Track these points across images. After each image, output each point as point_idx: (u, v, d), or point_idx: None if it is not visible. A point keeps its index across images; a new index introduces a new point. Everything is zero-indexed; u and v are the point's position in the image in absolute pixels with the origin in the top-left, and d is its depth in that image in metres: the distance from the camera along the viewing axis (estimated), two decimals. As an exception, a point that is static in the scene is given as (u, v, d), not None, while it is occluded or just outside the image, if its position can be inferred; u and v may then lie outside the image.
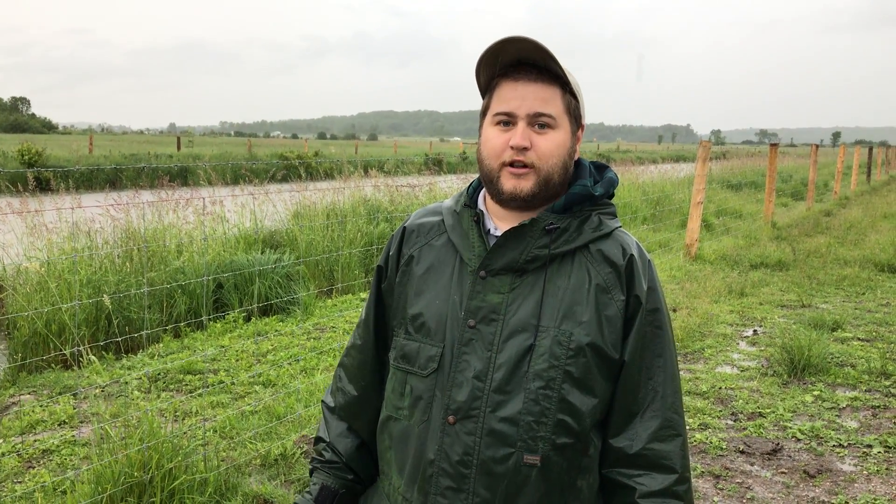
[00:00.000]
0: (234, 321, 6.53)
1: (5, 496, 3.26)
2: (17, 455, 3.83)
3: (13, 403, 4.64)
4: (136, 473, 3.08)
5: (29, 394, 4.85)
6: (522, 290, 1.29)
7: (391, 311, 1.45)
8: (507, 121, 1.31)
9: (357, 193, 10.40)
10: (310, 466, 1.58)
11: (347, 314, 7.01)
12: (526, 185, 1.30)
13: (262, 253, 7.66)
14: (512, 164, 1.31)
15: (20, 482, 3.51)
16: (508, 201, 1.32)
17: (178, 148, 35.99)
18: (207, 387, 4.88)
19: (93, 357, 5.01)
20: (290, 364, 5.36)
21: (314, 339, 6.10)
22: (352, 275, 8.46)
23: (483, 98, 1.38)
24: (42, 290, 5.96)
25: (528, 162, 1.30)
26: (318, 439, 1.57)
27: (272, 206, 9.59)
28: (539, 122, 1.30)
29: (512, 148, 1.30)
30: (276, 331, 6.34)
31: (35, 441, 4.01)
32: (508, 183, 1.30)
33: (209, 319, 6.53)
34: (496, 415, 1.26)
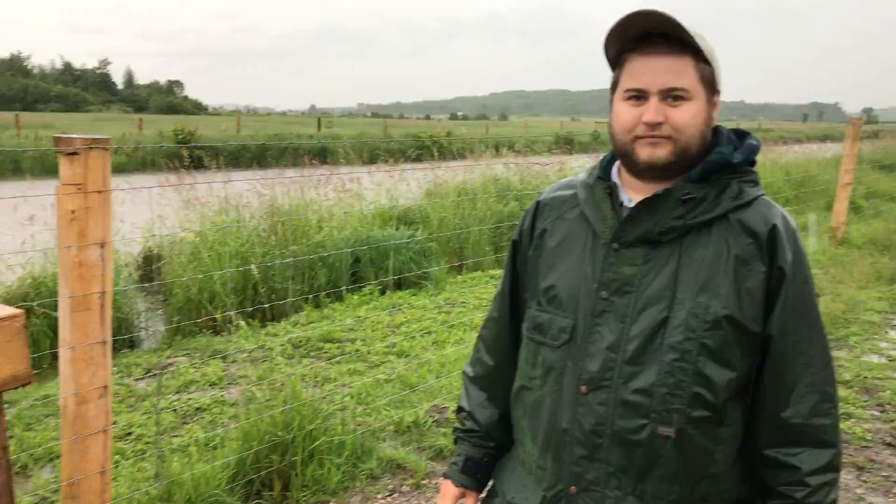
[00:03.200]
0: (370, 294, 6.77)
1: (165, 447, 3.56)
2: (174, 411, 4.15)
3: (170, 364, 5.02)
4: (279, 433, 3.28)
5: (183, 356, 5.23)
6: (657, 262, 1.30)
7: (525, 283, 1.48)
8: (639, 96, 1.31)
9: (488, 172, 10.46)
10: (453, 436, 1.65)
11: (477, 290, 7.11)
12: (662, 153, 1.29)
13: (396, 229, 7.87)
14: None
15: (176, 436, 3.81)
16: (644, 171, 1.32)
17: (319, 128, 37.26)
18: (345, 355, 5.10)
19: (242, 322, 5.34)
20: (422, 336, 5.51)
21: (445, 313, 6.23)
22: (481, 251, 8.55)
23: (613, 71, 1.38)
24: (195, 260, 6.38)
25: (664, 134, 1.29)
26: (460, 408, 1.63)
27: (406, 185, 9.81)
28: (672, 95, 1.29)
29: (644, 124, 1.29)
30: (409, 304, 6.52)
31: (189, 399, 4.33)
32: (644, 152, 1.30)
33: (347, 291, 6.80)
34: (629, 386, 1.27)
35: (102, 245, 2.60)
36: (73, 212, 2.60)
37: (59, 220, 2.64)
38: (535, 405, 1.40)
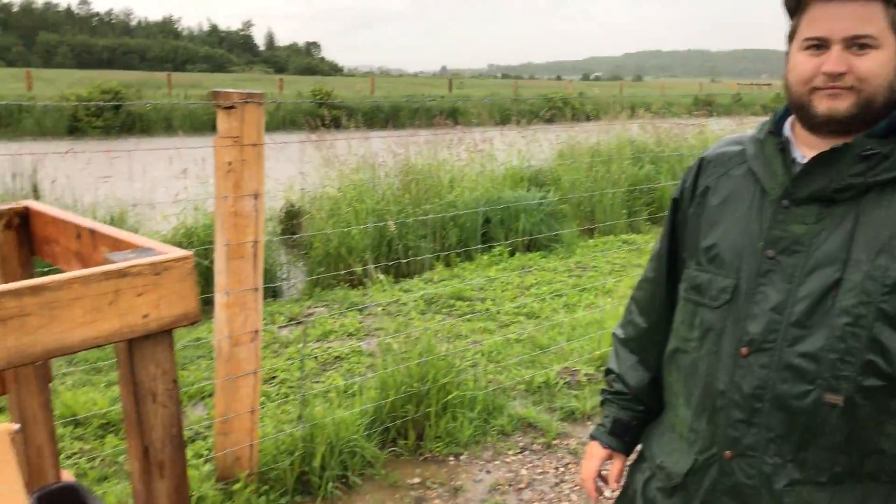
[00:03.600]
0: (500, 254, 6.79)
1: (307, 391, 3.72)
2: (315, 359, 4.33)
3: (310, 314, 5.23)
4: (414, 384, 3.36)
5: (323, 307, 5.44)
6: (831, 221, 1.22)
7: (684, 243, 1.43)
8: (819, 45, 1.22)
9: (622, 134, 10.20)
10: (601, 397, 1.63)
11: (609, 254, 6.99)
12: (842, 105, 1.20)
13: (527, 190, 7.82)
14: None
15: (318, 382, 3.98)
16: (822, 125, 1.23)
17: (450, 89, 37.41)
18: (475, 313, 5.16)
19: (382, 276, 5.49)
20: (552, 298, 5.48)
21: (576, 276, 6.17)
22: (614, 215, 8.39)
23: (791, 19, 1.30)
24: (334, 216, 6.59)
25: (845, 85, 1.20)
26: (609, 371, 1.61)
27: (538, 146, 9.71)
28: (857, 43, 1.19)
29: (825, 74, 1.21)
30: (539, 266, 6.49)
31: (328, 348, 4.51)
32: (822, 104, 1.22)
33: (477, 251, 6.84)
34: (794, 349, 1.21)
35: (256, 196, 2.71)
36: (229, 164, 2.73)
37: (216, 171, 2.79)
38: (690, 367, 1.36)
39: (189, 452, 3.17)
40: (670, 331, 1.44)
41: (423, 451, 3.31)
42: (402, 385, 3.36)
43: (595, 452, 1.59)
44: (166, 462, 1.52)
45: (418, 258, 6.35)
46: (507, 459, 3.27)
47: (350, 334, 4.78)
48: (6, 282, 2.02)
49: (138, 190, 6.84)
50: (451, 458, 3.27)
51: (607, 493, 1.67)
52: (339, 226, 6.33)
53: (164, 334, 1.49)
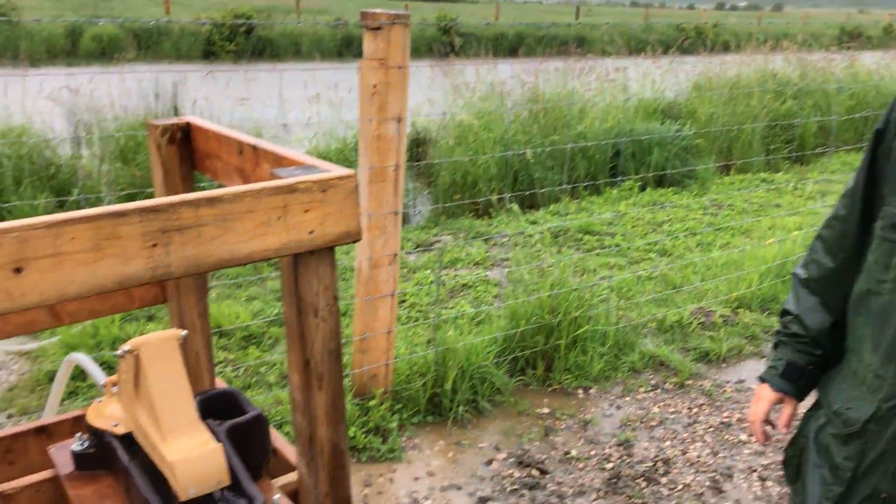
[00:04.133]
0: (630, 189, 6.60)
1: (434, 318, 3.77)
2: (443, 285, 4.37)
3: (436, 241, 5.27)
4: (546, 316, 3.34)
5: (449, 235, 5.46)
6: None
7: (884, 178, 1.31)
8: None
9: (763, 67, 9.60)
10: (774, 339, 1.55)
11: (746, 193, 6.67)
12: None
13: (661, 123, 7.52)
14: None
15: (446, 307, 4.02)
16: None
17: (577, 17, 36.27)
18: (604, 248, 5.06)
19: (515, 206, 5.47)
20: (685, 236, 5.30)
21: (711, 214, 5.93)
22: (752, 152, 7.98)
23: None
24: (462, 143, 6.55)
25: None
26: (785, 311, 1.52)
27: (673, 77, 9.29)
28: None
29: None
30: (671, 202, 6.28)
31: (455, 275, 4.54)
32: None
33: (606, 185, 6.68)
34: None
35: (399, 120, 2.70)
36: (374, 86, 2.72)
37: (361, 94, 2.78)
38: (881, 311, 1.26)
39: (325, 368, 3.28)
40: (859, 272, 1.34)
41: (551, 382, 3.30)
42: (532, 316, 3.34)
43: (764, 395, 1.52)
44: (325, 375, 1.56)
45: (545, 190, 6.26)
46: (638, 396, 3.22)
47: (476, 263, 4.78)
48: (169, 195, 2.10)
49: (273, 113, 7.01)
50: (580, 392, 3.25)
51: (775, 437, 1.60)
52: (467, 154, 6.30)
53: (327, 251, 1.51)
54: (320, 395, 1.57)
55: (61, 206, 5.10)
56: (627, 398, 3.20)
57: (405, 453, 2.79)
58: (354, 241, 1.53)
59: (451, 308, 3.97)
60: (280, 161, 1.67)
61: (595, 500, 2.53)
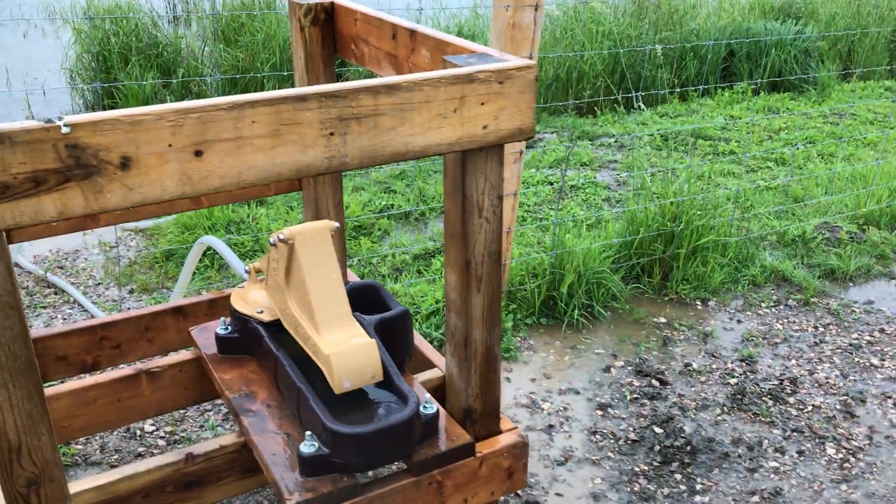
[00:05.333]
0: (742, 93, 6.24)
1: (547, 216, 3.68)
2: (550, 185, 4.25)
3: (539, 140, 5.11)
4: (667, 223, 3.20)
5: (551, 133, 5.29)
6: None
7: None
8: None
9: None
10: None
11: (869, 103, 6.23)
12: None
13: (781, 23, 7.03)
14: None
15: (553, 208, 3.91)
16: None
17: None
18: (718, 154, 4.82)
19: (641, 105, 5.24)
20: (804, 146, 5.00)
21: (831, 123, 5.57)
22: (876, 59, 7.42)
23: None
24: (566, 38, 6.26)
25: None
26: None
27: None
28: None
29: None
30: (787, 109, 5.92)
31: (564, 177, 4.40)
32: None
33: (717, 87, 6.33)
34: None
35: (536, 7, 2.54)
36: (512, -30, 2.55)
37: (496, -22, 2.62)
38: None
39: (437, 262, 3.25)
40: None
41: (667, 291, 3.20)
42: (653, 222, 3.21)
43: None
44: (484, 276, 1.50)
45: (650, 91, 5.97)
46: (760, 311, 3.10)
47: (583, 164, 4.63)
48: (310, 82, 2.02)
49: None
50: (698, 303, 3.14)
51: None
52: (570, 48, 6.03)
53: (496, 148, 1.42)
54: (478, 297, 1.51)
55: (167, 87, 5.11)
56: (748, 312, 3.09)
57: (520, 353, 2.76)
58: (526, 140, 1.44)
59: (562, 210, 3.87)
60: (442, 48, 1.56)
61: (719, 415, 2.47)
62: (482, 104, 1.32)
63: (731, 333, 2.94)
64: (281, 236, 1.56)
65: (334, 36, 1.96)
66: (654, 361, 2.75)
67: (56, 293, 3.07)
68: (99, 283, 3.17)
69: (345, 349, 1.50)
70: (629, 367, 2.72)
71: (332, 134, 1.21)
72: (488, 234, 1.46)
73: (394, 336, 1.71)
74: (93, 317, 2.90)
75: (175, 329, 2.11)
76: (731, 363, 2.75)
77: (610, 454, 2.29)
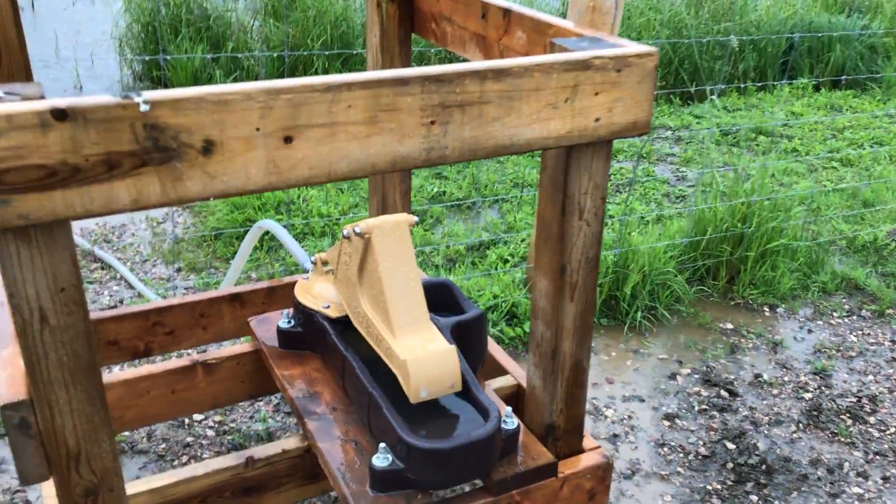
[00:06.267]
0: (803, 88, 6.01)
1: (622, 216, 3.53)
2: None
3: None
4: (736, 224, 3.04)
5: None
6: None
7: None
8: None
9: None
10: None
11: (937, 104, 5.97)
12: None
13: (847, 17, 6.76)
14: None
15: (611, 202, 3.76)
16: None
17: None
18: (780, 152, 4.63)
19: (715, 100, 5.06)
20: (871, 146, 4.79)
21: (899, 124, 5.34)
22: (943, 58, 7.11)
23: None
24: (624, 24, 6.07)
25: None
26: None
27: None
28: None
29: None
30: (850, 107, 5.68)
31: (620, 168, 4.24)
32: None
33: (776, 82, 6.11)
34: None
35: (619, -9, 2.38)
36: (594, -50, 2.40)
37: (575, -43, 2.47)
38: None
39: (493, 255, 3.13)
40: None
41: (733, 296, 3.05)
42: (723, 222, 3.05)
43: None
44: (579, 284, 1.37)
45: (719, 87, 5.77)
46: (832, 321, 2.93)
47: (641, 156, 4.46)
48: (385, 63, 1.90)
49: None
50: (766, 309, 2.98)
51: None
52: (627, 36, 5.83)
53: (606, 144, 1.29)
54: (571, 306, 1.38)
55: (216, 61, 5.01)
56: (819, 322, 2.92)
57: (580, 356, 2.63)
58: (640, 135, 1.30)
59: (618, 204, 3.71)
60: (543, 29, 1.43)
61: (794, 432, 2.32)
62: (596, 94, 1.18)
63: (803, 344, 2.79)
64: (357, 229, 1.44)
65: (412, 13, 1.83)
66: (721, 370, 2.61)
67: (103, 268, 3.00)
68: (146, 260, 3.09)
69: (422, 355, 1.38)
70: (696, 376, 2.57)
71: (432, 123, 1.09)
72: (587, 237, 1.33)
73: (469, 340, 1.59)
74: (140, 295, 2.82)
75: (231, 317, 2.01)
76: (804, 376, 2.60)
77: (679, 469, 2.16)
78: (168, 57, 4.74)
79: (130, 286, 2.88)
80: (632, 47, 1.21)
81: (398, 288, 1.44)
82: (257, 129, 0.99)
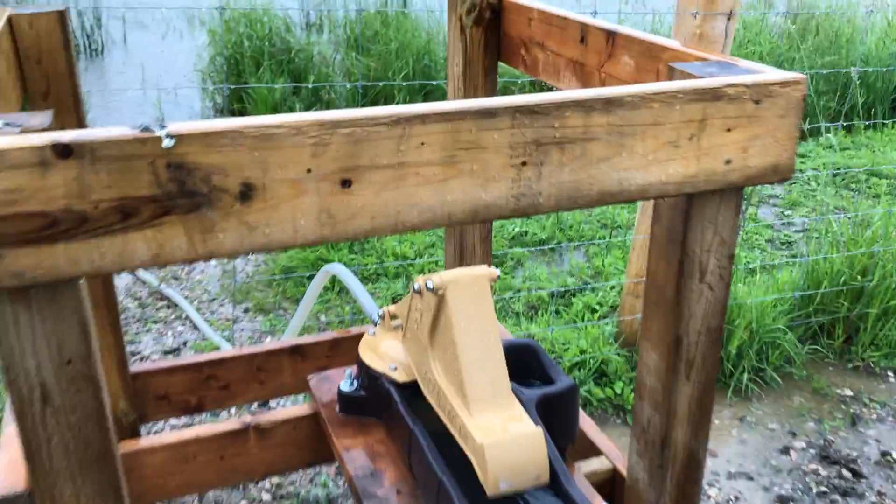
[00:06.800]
0: (916, 126, 5.57)
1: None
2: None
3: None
4: (856, 276, 2.72)
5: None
6: None
7: None
8: None
9: None
10: None
11: None
12: None
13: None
14: None
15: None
16: None
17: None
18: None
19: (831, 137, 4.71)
20: None
21: None
22: None
23: None
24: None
25: None
26: None
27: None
28: None
29: None
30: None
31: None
32: None
33: (889, 121, 5.68)
34: None
35: (730, 16, 2.14)
36: (702, -28, 2.16)
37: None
38: None
39: (578, 303, 2.88)
40: None
41: (851, 357, 2.71)
42: (840, 275, 2.73)
43: None
44: (697, 360, 1.12)
45: (827, 125, 5.39)
46: (970, 391, 2.57)
47: (743, 197, 4.14)
48: (468, 93, 1.70)
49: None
50: (891, 374, 2.64)
51: None
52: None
53: (736, 192, 1.05)
54: (686, 387, 1.14)
55: (296, 94, 4.95)
56: (955, 392, 2.56)
57: (677, 421, 2.35)
58: (781, 181, 1.06)
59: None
60: (656, 53, 1.21)
61: (935, 526, 1.99)
62: (728, 130, 0.95)
63: (937, 417, 2.44)
64: (430, 284, 1.23)
65: (499, 38, 1.64)
66: (842, 445, 2.28)
67: (168, 307, 2.88)
68: (213, 299, 2.96)
69: (503, 439, 1.15)
70: (812, 451, 2.26)
71: (524, 164, 0.87)
72: (710, 304, 1.09)
73: (558, 417, 1.36)
74: (205, 338, 2.68)
75: (291, 371, 1.83)
76: (942, 456, 2.25)
77: (798, 566, 1.85)
78: (248, 87, 4.70)
79: (196, 327, 2.75)
80: (773, 74, 0.97)
81: (475, 355, 1.22)
82: (308, 171, 0.79)
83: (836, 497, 2.08)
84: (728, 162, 0.97)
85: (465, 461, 1.21)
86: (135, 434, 1.71)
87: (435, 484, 1.22)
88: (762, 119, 0.97)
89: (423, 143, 0.83)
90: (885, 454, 2.25)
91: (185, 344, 2.67)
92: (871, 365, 2.67)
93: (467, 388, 1.21)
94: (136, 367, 1.72)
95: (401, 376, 1.44)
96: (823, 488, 2.11)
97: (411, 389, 1.41)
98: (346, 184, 0.81)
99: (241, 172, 0.77)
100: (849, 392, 2.54)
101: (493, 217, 0.89)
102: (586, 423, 1.58)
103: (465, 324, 1.23)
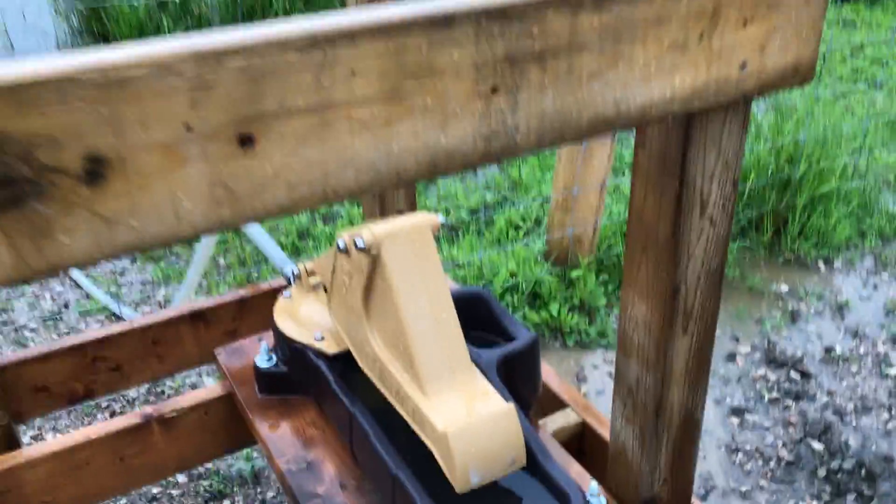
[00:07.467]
0: None
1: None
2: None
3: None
4: (784, 166, 2.62)
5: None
6: None
7: None
8: None
9: None
10: None
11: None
12: None
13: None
14: None
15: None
16: None
17: None
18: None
19: None
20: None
21: None
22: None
23: None
24: None
25: None
26: None
27: None
28: None
29: None
30: (865, 21, 5.23)
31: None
32: None
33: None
34: None
35: None
36: None
37: None
38: None
39: (500, 220, 2.69)
40: None
41: (782, 250, 2.64)
42: (766, 166, 2.63)
43: None
44: (696, 309, 0.93)
45: None
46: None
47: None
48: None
49: None
50: (821, 264, 2.59)
51: None
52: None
53: (744, 104, 0.84)
54: (683, 341, 0.95)
55: (163, 9, 4.43)
56: (884, 275, 2.53)
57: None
58: (801, 84, 0.85)
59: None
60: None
61: (888, 421, 1.94)
62: (744, 24, 0.73)
63: (870, 304, 2.40)
64: (359, 242, 0.99)
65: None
66: (786, 345, 2.21)
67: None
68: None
69: (470, 424, 0.95)
70: (757, 354, 2.18)
71: (494, 91, 0.63)
72: (712, 243, 0.89)
73: (519, 375, 1.16)
74: (89, 296, 2.36)
75: (193, 340, 1.57)
76: (882, 345, 2.21)
77: (762, 483, 1.77)
78: (107, 3, 4.17)
79: (77, 285, 2.42)
80: (793, -55, 0.75)
81: (426, 324, 1.00)
82: (188, 128, 0.53)
83: (790, 402, 2.00)
84: (743, 66, 0.75)
85: (421, 446, 1.00)
86: (12, 441, 1.43)
87: (388, 479, 1.01)
88: (783, 5, 0.75)
89: (353, 73, 0.57)
90: (828, 350, 2.19)
91: (66, 306, 2.34)
92: (802, 256, 2.61)
93: (419, 364, 0.99)
94: (2, 357, 1.42)
95: (330, 347, 1.20)
96: (775, 394, 2.03)
97: (345, 361, 1.18)
98: (245, 141, 0.55)
99: (84, 141, 0.50)
100: (784, 287, 2.47)
101: (458, 168, 0.65)
102: (545, 371, 1.39)
103: (409, 287, 1.00)
